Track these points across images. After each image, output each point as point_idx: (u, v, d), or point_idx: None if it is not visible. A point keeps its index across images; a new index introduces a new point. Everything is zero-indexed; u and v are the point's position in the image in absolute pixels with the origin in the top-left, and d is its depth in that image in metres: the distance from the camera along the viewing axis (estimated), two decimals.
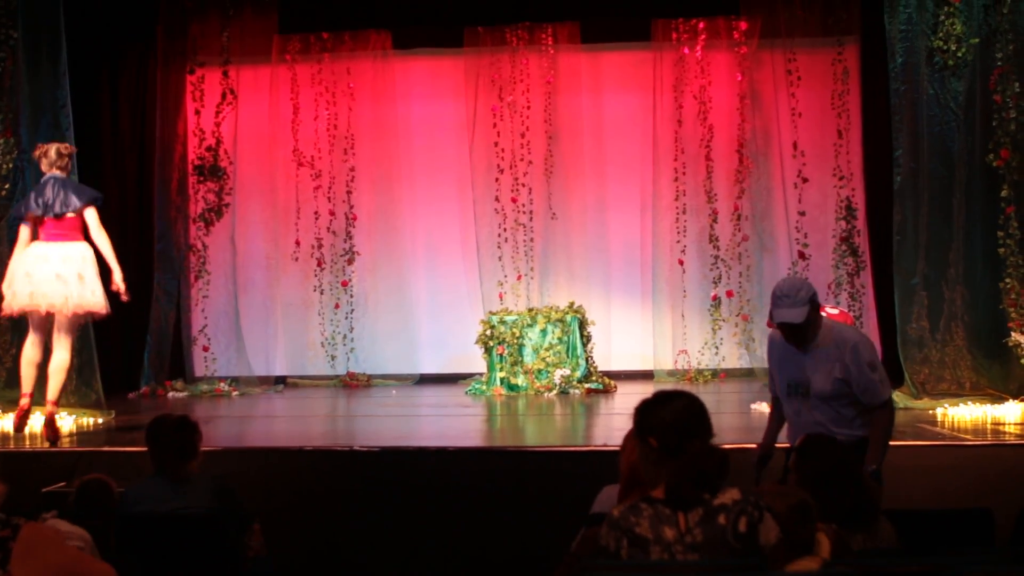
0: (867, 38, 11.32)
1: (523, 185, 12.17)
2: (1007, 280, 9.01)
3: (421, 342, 12.39)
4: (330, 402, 10.90)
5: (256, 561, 4.92)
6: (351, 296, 12.39)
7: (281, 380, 12.23)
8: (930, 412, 8.45)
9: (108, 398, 9.21)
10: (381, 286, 12.41)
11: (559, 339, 10.87)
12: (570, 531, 3.99)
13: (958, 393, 8.98)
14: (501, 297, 12.05)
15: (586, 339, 11.04)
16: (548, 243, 12.22)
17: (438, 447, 7.24)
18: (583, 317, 11.09)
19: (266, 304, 12.40)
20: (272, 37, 12.11)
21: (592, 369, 10.96)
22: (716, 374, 11.91)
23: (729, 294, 11.94)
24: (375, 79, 12.36)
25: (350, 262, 12.39)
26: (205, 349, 12.11)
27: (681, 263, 12.01)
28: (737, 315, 11.91)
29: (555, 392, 10.61)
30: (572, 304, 11.23)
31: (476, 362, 11.26)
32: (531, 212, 12.17)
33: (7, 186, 9.27)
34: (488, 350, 10.95)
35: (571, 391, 10.61)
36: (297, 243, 12.38)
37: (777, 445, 5.26)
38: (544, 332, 10.88)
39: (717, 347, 11.97)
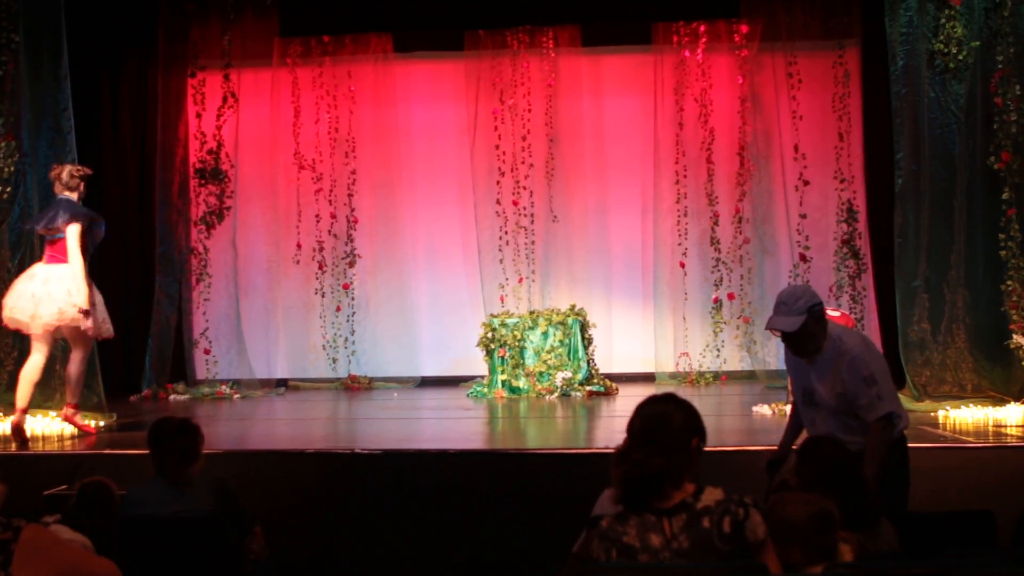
0: (868, 41, 11.32)
1: (524, 188, 12.17)
2: (1008, 282, 9.01)
3: (422, 345, 12.39)
4: (331, 405, 10.90)
5: (257, 564, 4.92)
6: (352, 299, 12.39)
7: (282, 383, 12.23)
8: (932, 414, 8.44)
9: (109, 401, 9.21)
10: (382, 289, 12.41)
11: (560, 342, 10.87)
12: (572, 533, 3.98)
13: (960, 395, 8.99)
14: (502, 300, 12.06)
15: (587, 342, 11.05)
16: (549, 246, 12.23)
17: (439, 450, 7.24)
18: (584, 320, 11.09)
19: (267, 307, 12.40)
20: (273, 40, 12.11)
21: (593, 372, 10.96)
22: (717, 377, 11.90)
23: (730, 297, 11.94)
24: (376, 82, 12.37)
25: (351, 265, 12.39)
26: (206, 352, 12.10)
27: (682, 266, 12.01)
28: (738, 318, 11.90)
29: (556, 395, 10.61)
30: (573, 307, 11.23)
31: (477, 365, 11.26)
32: (532, 215, 12.18)
33: (8, 190, 9.27)
34: (489, 353, 10.95)
35: (572, 394, 10.61)
36: (298, 246, 12.38)
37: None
38: (545, 335, 10.88)
39: (718, 350, 11.96)
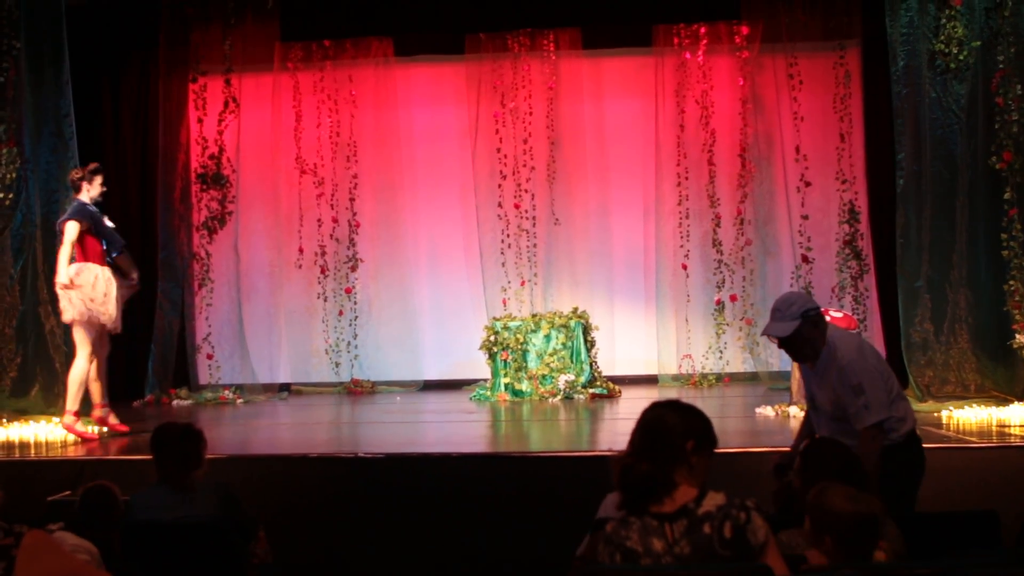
0: (869, 42, 11.31)
1: (526, 191, 12.18)
2: (1011, 282, 9.01)
3: (425, 348, 12.39)
4: (334, 409, 10.90)
5: (261, 568, 4.92)
6: (355, 303, 12.39)
7: (285, 387, 12.24)
8: (935, 414, 8.44)
9: (112, 406, 9.19)
10: (384, 293, 12.41)
11: (563, 344, 10.86)
12: (576, 536, 3.98)
13: (963, 395, 8.99)
14: (505, 303, 12.06)
15: (590, 344, 11.04)
16: (551, 248, 12.23)
17: (442, 453, 7.25)
18: (587, 322, 11.09)
19: (270, 311, 12.40)
20: (274, 45, 12.12)
21: (596, 374, 10.96)
22: (720, 378, 11.90)
23: (733, 298, 11.94)
24: (377, 86, 12.38)
25: (353, 269, 12.39)
26: (209, 357, 12.10)
27: (684, 268, 12.01)
28: (741, 319, 11.90)
29: (559, 397, 10.60)
30: (576, 309, 11.22)
31: (480, 368, 11.25)
32: (534, 218, 12.18)
33: (10, 196, 9.29)
34: (492, 356, 10.95)
35: (575, 396, 10.61)
36: (300, 250, 12.39)
37: None
38: (548, 337, 10.88)
39: (721, 351, 11.96)
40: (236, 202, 12.11)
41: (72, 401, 8.22)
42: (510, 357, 10.83)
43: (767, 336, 5.03)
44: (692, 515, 3.20)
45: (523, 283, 12.16)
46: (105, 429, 8.46)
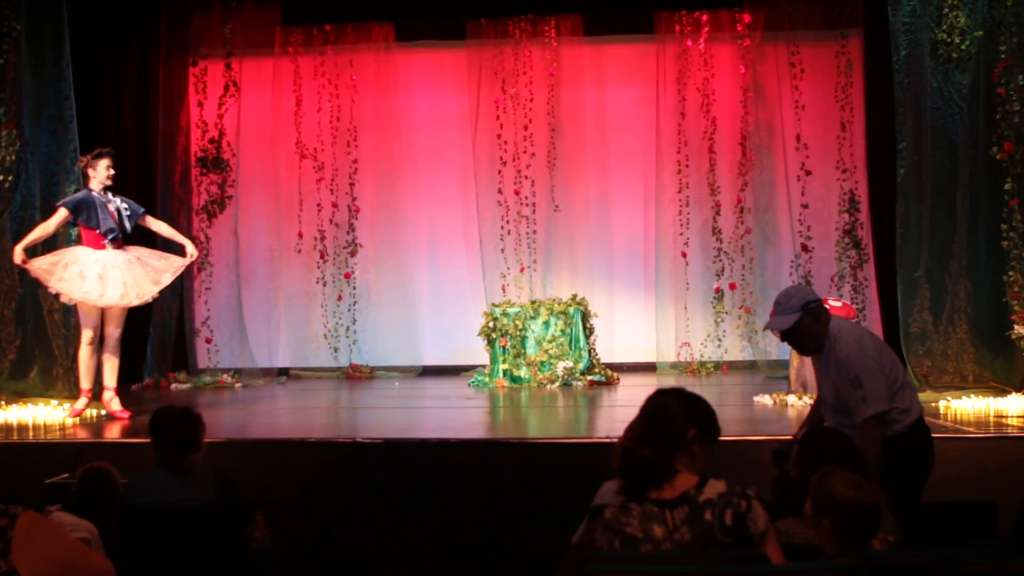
0: (871, 31, 11.30)
1: (526, 177, 12.17)
2: (1011, 273, 9.01)
3: (424, 334, 12.39)
4: (333, 394, 10.91)
5: (259, 552, 4.93)
6: (354, 288, 12.40)
7: (284, 372, 12.25)
8: (933, 405, 8.43)
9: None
10: (384, 278, 12.41)
11: (562, 331, 10.87)
12: (573, 523, 3.99)
13: (961, 386, 8.99)
14: (504, 289, 12.06)
15: (589, 331, 11.05)
16: (551, 235, 12.22)
17: (441, 439, 7.24)
18: (586, 309, 11.09)
19: (269, 296, 12.40)
20: (275, 29, 12.12)
21: (595, 361, 10.97)
22: (719, 367, 11.91)
23: (732, 287, 11.94)
24: (378, 71, 12.35)
25: (353, 254, 12.39)
26: (208, 341, 12.12)
27: (684, 255, 12.01)
28: (740, 308, 11.91)
29: (558, 384, 10.61)
30: (575, 296, 11.22)
31: (479, 354, 11.26)
32: (534, 204, 12.17)
33: (10, 178, 9.28)
34: (491, 342, 10.95)
35: (574, 383, 10.62)
36: (300, 235, 12.38)
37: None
38: (547, 324, 10.88)
39: (720, 340, 11.97)
40: (236, 186, 12.12)
41: (80, 381, 8.45)
42: (509, 343, 10.84)
43: (770, 330, 5.04)
44: (693, 502, 3.21)
45: (522, 269, 12.16)
46: (104, 412, 8.47)
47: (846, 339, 4.91)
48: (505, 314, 10.96)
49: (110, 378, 8.46)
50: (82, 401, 8.49)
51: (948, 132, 9.24)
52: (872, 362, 4.85)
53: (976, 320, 9.18)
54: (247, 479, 5.34)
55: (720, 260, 11.96)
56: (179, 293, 11.83)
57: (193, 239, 11.88)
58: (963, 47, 9.13)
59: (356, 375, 12.04)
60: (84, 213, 8.24)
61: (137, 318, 11.48)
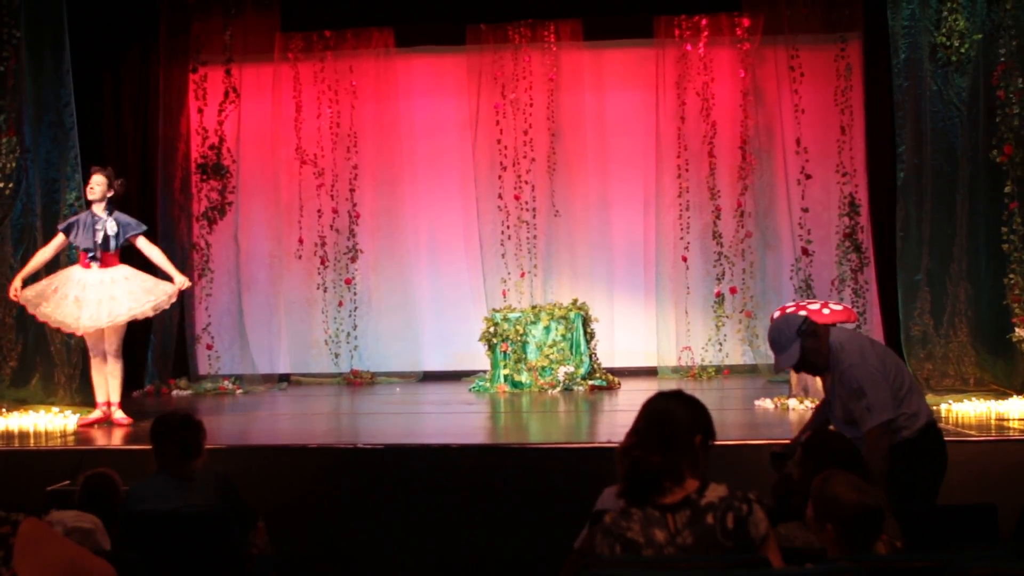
0: (870, 34, 11.29)
1: (526, 182, 12.17)
2: (1011, 276, 9.02)
3: (424, 339, 12.38)
4: (334, 400, 10.90)
5: (260, 559, 4.93)
6: (354, 294, 12.39)
7: (285, 378, 12.24)
8: (934, 408, 8.40)
9: None
10: (384, 284, 12.41)
11: (562, 336, 10.87)
12: (574, 528, 3.99)
13: (962, 389, 9.00)
14: (504, 294, 12.06)
15: (589, 336, 11.04)
16: (551, 240, 12.22)
17: (441, 444, 7.24)
18: (586, 314, 11.09)
19: (269, 302, 12.40)
20: (274, 35, 12.11)
21: (596, 366, 10.96)
22: (720, 371, 11.90)
23: (733, 291, 11.93)
24: (378, 77, 12.36)
25: (353, 260, 12.39)
26: (209, 347, 12.11)
27: (684, 260, 12.01)
28: (740, 311, 11.90)
29: (559, 389, 10.61)
30: (575, 301, 11.22)
31: (480, 359, 11.26)
32: (534, 209, 12.17)
33: (11, 185, 9.29)
34: (492, 347, 10.95)
35: (575, 388, 10.61)
36: (300, 241, 12.38)
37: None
38: (547, 329, 10.88)
39: (721, 344, 11.96)
40: (236, 192, 12.11)
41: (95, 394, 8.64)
42: (510, 348, 10.84)
43: (783, 369, 5.10)
44: (695, 506, 3.21)
45: (523, 274, 12.16)
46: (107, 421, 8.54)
47: (847, 350, 4.91)
48: (506, 319, 10.96)
49: (113, 394, 8.50)
50: (95, 413, 8.57)
51: (948, 135, 9.25)
52: (874, 371, 4.85)
53: (977, 323, 9.19)
54: (248, 485, 5.34)
55: (720, 264, 11.96)
56: (180, 299, 11.78)
57: (194, 245, 11.97)
58: (962, 50, 9.15)
59: (357, 381, 12.03)
60: (73, 232, 8.44)
61: (138, 325, 11.46)
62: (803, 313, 5.81)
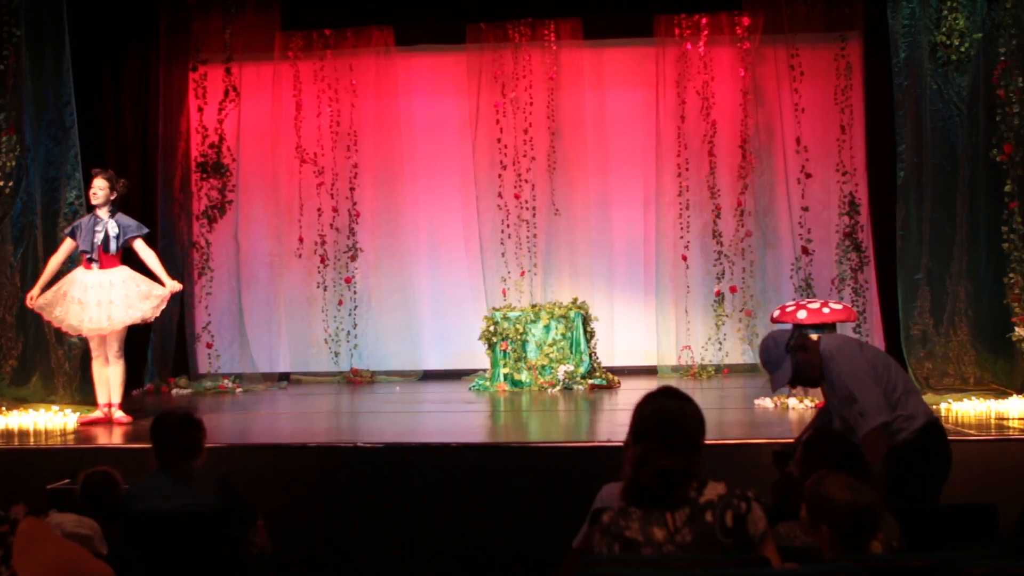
0: (870, 33, 11.29)
1: (526, 181, 12.16)
2: (1011, 275, 9.01)
3: (424, 338, 12.38)
4: (334, 399, 10.91)
5: (260, 558, 4.93)
6: (354, 292, 12.39)
7: (285, 377, 12.24)
8: (934, 407, 8.40)
9: None
10: (384, 282, 12.40)
11: (562, 335, 10.87)
12: (574, 527, 3.99)
13: (962, 388, 8.99)
14: (504, 293, 12.06)
15: (589, 335, 11.04)
16: (551, 239, 12.22)
17: (441, 443, 7.24)
18: (586, 313, 11.09)
19: (269, 301, 12.40)
20: (274, 34, 12.11)
21: (596, 365, 10.97)
22: (719, 370, 11.90)
23: (733, 290, 11.93)
24: (378, 76, 12.35)
25: (353, 259, 12.38)
26: (209, 346, 12.11)
27: (684, 259, 12.00)
28: (740, 311, 11.90)
29: (559, 388, 10.61)
30: (575, 300, 11.22)
31: (480, 358, 11.26)
32: (534, 208, 12.17)
33: (11, 183, 9.29)
34: (491, 346, 10.95)
35: (575, 387, 10.61)
36: (300, 240, 12.38)
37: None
38: (547, 328, 10.88)
39: (720, 343, 11.96)
40: (236, 191, 12.11)
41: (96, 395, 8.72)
42: (510, 347, 10.84)
43: (779, 388, 5.13)
44: (694, 504, 3.22)
45: (523, 273, 12.15)
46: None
47: (837, 358, 4.93)
48: (506, 318, 10.96)
49: (114, 395, 8.54)
50: (96, 414, 8.61)
51: (948, 134, 9.25)
52: (863, 375, 4.85)
53: (977, 322, 9.19)
54: (248, 484, 5.34)
55: (720, 263, 11.96)
56: (180, 298, 11.79)
57: (194, 244, 11.97)
58: (962, 49, 9.14)
59: (357, 380, 12.03)
60: (77, 235, 8.55)
61: (138, 324, 11.50)
62: (789, 329, 5.80)
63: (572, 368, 10.70)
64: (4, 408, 8.91)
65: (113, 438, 7.97)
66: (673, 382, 11.07)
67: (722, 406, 9.37)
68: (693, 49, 11.96)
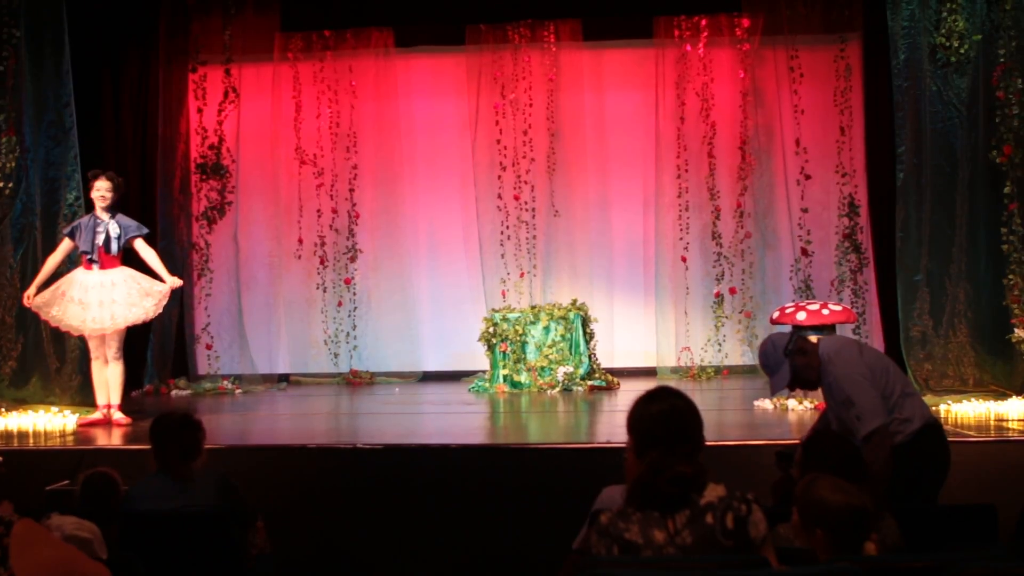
0: (869, 35, 11.29)
1: (525, 182, 12.16)
2: (1010, 276, 9.01)
3: (424, 339, 12.38)
4: (333, 400, 10.90)
5: (259, 559, 4.93)
6: (354, 294, 12.39)
7: (284, 378, 12.24)
8: (933, 409, 8.38)
9: None
10: (384, 284, 12.41)
11: (562, 336, 10.87)
12: (573, 528, 3.99)
13: (961, 389, 8.99)
14: (504, 294, 12.05)
15: (589, 336, 11.04)
16: (551, 240, 12.22)
17: (441, 444, 7.24)
18: (586, 314, 11.09)
19: (269, 302, 12.40)
20: (274, 35, 12.12)
21: (595, 366, 10.97)
22: (719, 371, 11.90)
23: (732, 291, 11.93)
24: (377, 77, 12.36)
25: (353, 260, 12.39)
26: (208, 347, 12.11)
27: (684, 260, 12.00)
28: (740, 312, 11.90)
29: (558, 389, 10.61)
30: (575, 301, 11.22)
31: (479, 359, 11.26)
32: (534, 209, 12.17)
33: (10, 184, 9.29)
34: (491, 347, 10.95)
35: (574, 388, 10.61)
36: (300, 241, 12.38)
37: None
38: (547, 329, 10.88)
39: (720, 344, 11.96)
40: (236, 192, 12.12)
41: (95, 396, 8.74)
42: (509, 349, 10.84)
43: (778, 392, 5.14)
44: (694, 506, 3.20)
45: (522, 275, 12.15)
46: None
47: (835, 361, 4.92)
48: (505, 319, 10.96)
49: (113, 396, 8.55)
50: (95, 415, 8.62)
51: (947, 136, 9.25)
52: (859, 378, 4.84)
53: (976, 324, 9.18)
54: (247, 485, 5.33)
55: (720, 264, 11.96)
56: (179, 299, 11.81)
57: (193, 245, 11.97)
58: (962, 51, 9.14)
59: (356, 381, 12.03)
60: (77, 236, 8.55)
61: (137, 325, 11.50)
62: (788, 332, 5.80)
63: (571, 369, 10.70)
64: (3, 409, 8.92)
65: (112, 439, 7.97)
66: (672, 383, 11.06)
67: (721, 407, 9.37)
68: (693, 51, 11.96)
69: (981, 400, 8.55)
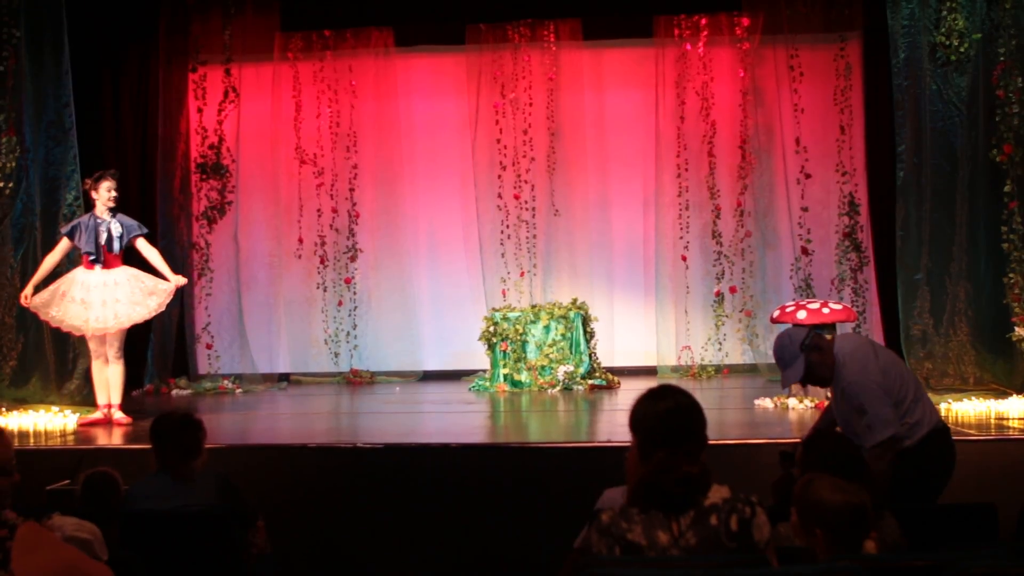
0: (869, 34, 11.30)
1: (526, 182, 12.17)
2: (1011, 275, 9.01)
3: (424, 339, 12.38)
4: (333, 399, 10.90)
5: (260, 558, 4.93)
6: (354, 293, 12.39)
7: (284, 377, 12.24)
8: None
9: None
10: (384, 283, 12.40)
11: (562, 335, 10.87)
12: (574, 527, 3.98)
13: (962, 388, 8.99)
14: (504, 294, 12.05)
15: (589, 335, 11.05)
16: (551, 239, 12.22)
17: (441, 444, 7.24)
18: (586, 313, 11.09)
19: (269, 301, 12.40)
20: (274, 35, 12.11)
21: (595, 365, 10.97)
22: (719, 370, 11.90)
23: (732, 290, 11.93)
24: (377, 76, 12.36)
25: (353, 259, 12.39)
26: (208, 347, 12.11)
27: (684, 259, 12.00)
28: (740, 311, 11.89)
29: (558, 388, 10.61)
30: (575, 300, 11.22)
31: (479, 359, 11.26)
32: (534, 209, 12.17)
33: (10, 184, 9.29)
34: (491, 347, 10.95)
35: (574, 387, 10.61)
36: (300, 240, 12.38)
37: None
38: (547, 328, 10.88)
39: (720, 343, 11.96)
40: (236, 192, 12.12)
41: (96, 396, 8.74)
42: (509, 348, 10.84)
43: (790, 384, 5.12)
44: (699, 507, 3.18)
45: (522, 274, 12.15)
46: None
47: (850, 365, 4.89)
48: (505, 318, 10.96)
49: (114, 396, 8.55)
50: (96, 415, 8.62)
51: (947, 135, 9.25)
52: (875, 386, 4.82)
53: (976, 322, 9.19)
54: (248, 485, 5.34)
55: (720, 264, 11.96)
56: (180, 299, 11.80)
57: (193, 245, 11.97)
58: (962, 50, 9.14)
59: (357, 380, 12.03)
60: (77, 236, 8.54)
61: (138, 324, 11.49)
62: (806, 327, 5.79)
63: (572, 368, 10.70)
64: (4, 409, 8.92)
65: (113, 439, 7.97)
66: (673, 382, 11.05)
67: (722, 406, 9.37)
68: (693, 50, 11.96)
69: (981, 399, 8.55)
